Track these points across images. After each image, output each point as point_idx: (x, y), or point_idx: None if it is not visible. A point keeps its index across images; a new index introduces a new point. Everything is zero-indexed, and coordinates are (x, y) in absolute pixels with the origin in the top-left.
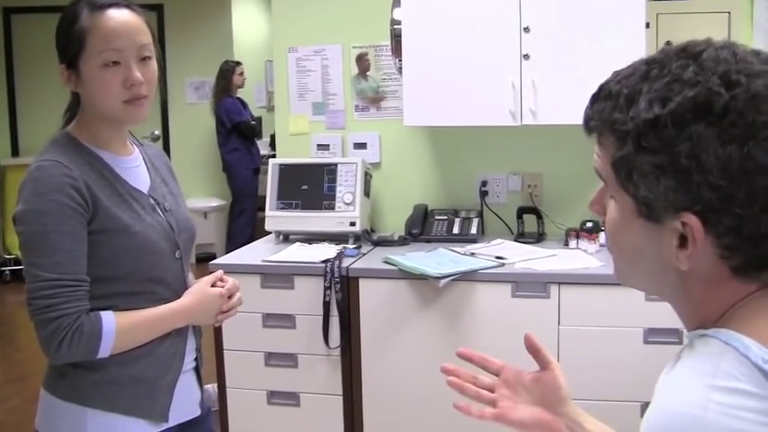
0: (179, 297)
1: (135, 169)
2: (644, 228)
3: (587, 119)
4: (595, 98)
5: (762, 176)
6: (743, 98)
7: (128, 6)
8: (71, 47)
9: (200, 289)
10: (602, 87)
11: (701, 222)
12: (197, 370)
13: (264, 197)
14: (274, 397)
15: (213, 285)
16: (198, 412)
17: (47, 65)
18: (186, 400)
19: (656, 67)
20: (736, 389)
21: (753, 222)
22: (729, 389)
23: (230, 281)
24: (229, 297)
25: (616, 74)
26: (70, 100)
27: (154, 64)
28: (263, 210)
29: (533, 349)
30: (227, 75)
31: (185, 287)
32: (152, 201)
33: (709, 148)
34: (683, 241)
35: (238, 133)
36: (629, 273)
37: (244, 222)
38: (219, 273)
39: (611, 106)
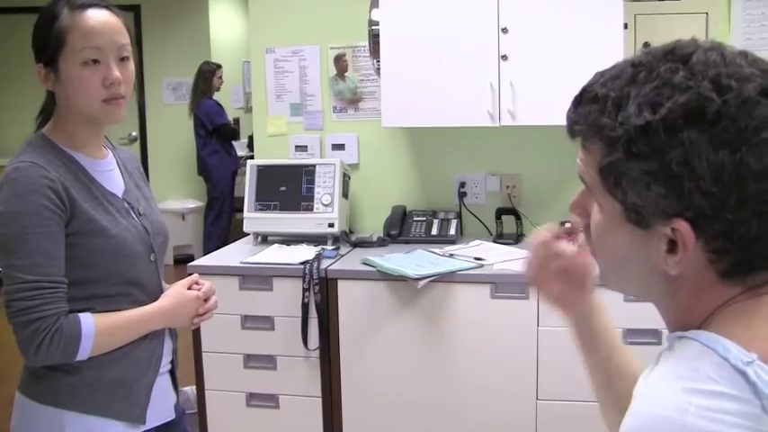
0: (154, 300)
1: (110, 173)
2: (632, 233)
3: (571, 122)
4: (578, 101)
5: (754, 182)
6: (735, 103)
7: (107, 7)
8: (50, 45)
9: (176, 291)
10: (585, 89)
11: (691, 228)
12: (172, 373)
13: (241, 198)
14: (253, 399)
15: (189, 288)
16: (173, 416)
17: (25, 67)
18: (163, 403)
19: (643, 69)
20: (715, 392)
21: (743, 227)
22: (709, 392)
23: (206, 284)
24: (206, 300)
25: (600, 75)
26: (45, 101)
27: (132, 65)
28: (240, 211)
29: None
30: (208, 77)
31: (161, 290)
32: (126, 204)
33: (702, 155)
34: (672, 246)
35: (219, 135)
36: (614, 277)
37: (222, 224)
38: (195, 276)
39: (599, 110)
